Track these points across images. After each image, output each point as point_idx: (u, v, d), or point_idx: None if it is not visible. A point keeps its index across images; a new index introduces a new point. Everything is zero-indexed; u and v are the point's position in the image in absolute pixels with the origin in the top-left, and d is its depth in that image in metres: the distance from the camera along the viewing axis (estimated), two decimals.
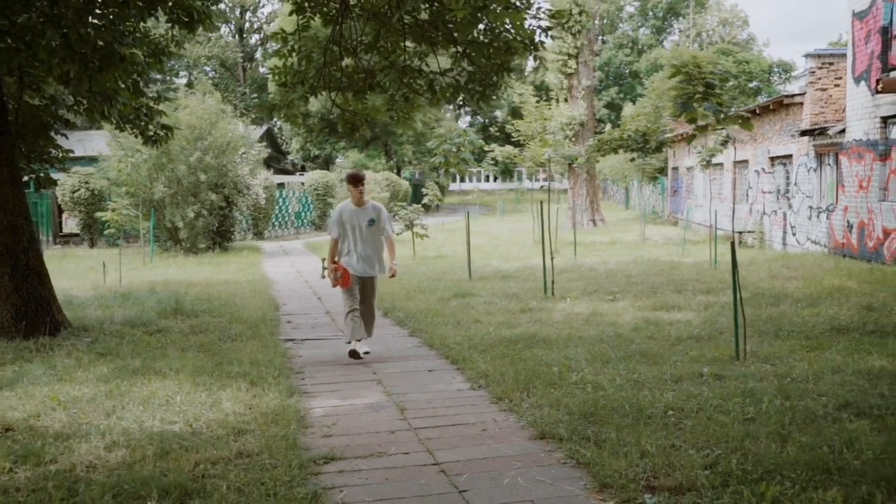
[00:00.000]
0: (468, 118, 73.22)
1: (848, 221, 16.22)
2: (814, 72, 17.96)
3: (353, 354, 7.79)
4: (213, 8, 10.19)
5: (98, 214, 23.34)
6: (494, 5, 6.74)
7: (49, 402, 6.09)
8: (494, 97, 8.24)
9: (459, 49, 7.42)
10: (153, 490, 4.28)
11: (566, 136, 28.94)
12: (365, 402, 6.32)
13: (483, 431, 5.47)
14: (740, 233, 21.20)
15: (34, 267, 9.15)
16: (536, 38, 7.31)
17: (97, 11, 8.54)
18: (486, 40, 7.32)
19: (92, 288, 13.47)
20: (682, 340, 8.15)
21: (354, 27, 8.03)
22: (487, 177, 71.95)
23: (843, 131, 16.43)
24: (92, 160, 24.96)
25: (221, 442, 5.14)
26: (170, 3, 8.75)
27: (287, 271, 17.29)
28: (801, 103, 18.42)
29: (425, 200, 24.32)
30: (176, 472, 4.56)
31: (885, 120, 14.95)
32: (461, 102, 8.43)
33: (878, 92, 14.43)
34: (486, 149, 28.79)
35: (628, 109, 36.85)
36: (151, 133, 10.50)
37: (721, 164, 23.89)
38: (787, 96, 19.42)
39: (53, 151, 10.85)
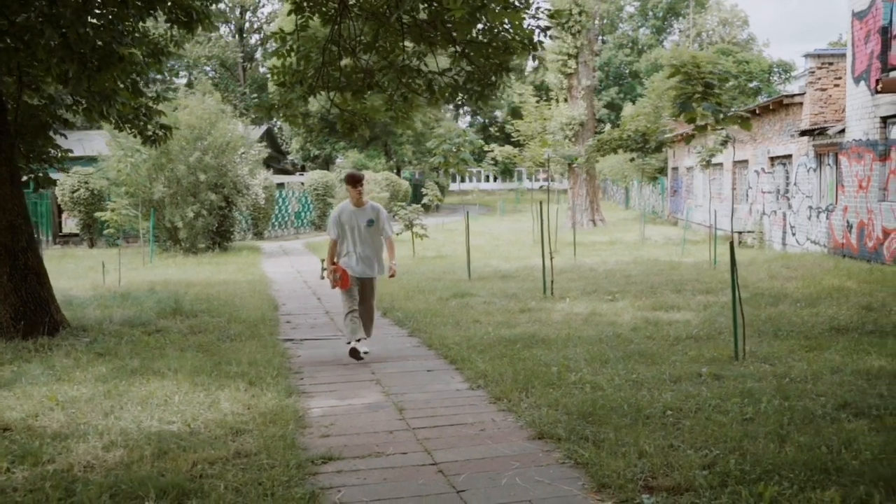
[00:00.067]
0: (468, 118, 73.25)
1: (847, 221, 16.21)
2: (813, 72, 17.95)
3: (354, 353, 7.78)
4: (213, 8, 10.18)
5: (97, 214, 23.34)
6: (493, 5, 6.74)
7: (47, 402, 6.08)
8: (493, 97, 8.23)
9: (458, 49, 7.42)
10: (150, 490, 4.27)
11: (566, 136, 28.94)
12: (363, 402, 6.32)
13: (481, 431, 5.47)
14: (740, 233, 21.20)
15: (33, 267, 9.15)
16: (535, 38, 7.30)
17: (96, 11, 8.53)
18: (485, 40, 7.31)
19: (91, 288, 13.46)
20: (681, 340, 8.14)
21: (353, 27, 8.03)
22: (487, 177, 71.94)
23: (842, 131, 16.42)
24: (91, 160, 24.97)
25: (219, 442, 5.14)
26: (168, 3, 8.75)
27: (286, 271, 17.29)
28: (801, 103, 18.41)
29: (425, 200, 24.33)
30: (173, 472, 4.55)
31: (884, 120, 14.95)
32: (460, 102, 8.41)
33: (877, 92, 14.43)
34: (486, 149, 28.79)
35: (628, 109, 36.86)
36: (150, 133, 10.50)
37: (721, 164, 23.88)
38: (786, 96, 19.42)
39: (52, 151, 10.84)
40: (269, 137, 43.37)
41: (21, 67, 9.01)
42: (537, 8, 7.23)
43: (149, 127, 10.45)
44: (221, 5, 59.10)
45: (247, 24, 64.46)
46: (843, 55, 17.29)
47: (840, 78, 17.64)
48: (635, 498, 4.18)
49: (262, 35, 62.90)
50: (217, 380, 6.76)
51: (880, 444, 4.74)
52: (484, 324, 9.40)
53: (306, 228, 33.05)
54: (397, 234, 18.68)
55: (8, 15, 7.99)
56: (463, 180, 70.96)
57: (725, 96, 9.70)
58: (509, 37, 7.19)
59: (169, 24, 9.17)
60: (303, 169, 49.11)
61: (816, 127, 17.59)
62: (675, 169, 30.73)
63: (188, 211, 20.67)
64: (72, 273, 16.40)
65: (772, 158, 20.47)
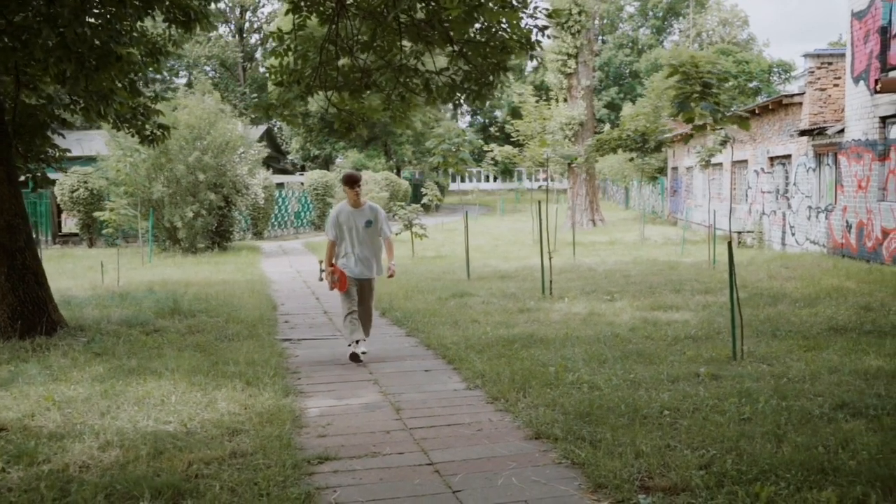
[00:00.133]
0: (468, 118, 73.24)
1: (847, 221, 16.20)
2: (813, 72, 17.94)
3: (354, 358, 7.74)
4: (211, 7, 10.16)
5: (96, 214, 23.34)
6: (490, 4, 6.73)
7: (44, 402, 6.08)
8: (491, 97, 8.22)
9: (455, 48, 7.41)
10: (145, 490, 4.27)
11: (565, 135, 28.93)
12: (361, 402, 6.31)
13: (478, 431, 5.46)
14: (739, 233, 21.18)
15: (31, 267, 9.14)
16: (533, 38, 7.28)
17: (94, 10, 8.53)
18: (482, 39, 7.30)
19: (90, 288, 13.46)
20: (679, 340, 8.14)
21: (350, 26, 8.02)
22: (487, 177, 71.92)
23: (841, 131, 16.41)
24: (91, 160, 24.96)
25: (215, 442, 5.13)
26: (166, 3, 8.74)
27: (286, 271, 17.28)
28: (801, 103, 18.40)
29: (424, 200, 24.33)
30: (169, 472, 4.55)
31: (883, 120, 14.94)
32: (458, 102, 8.39)
33: (876, 92, 14.42)
34: (486, 149, 28.75)
35: (628, 109, 36.83)
36: (148, 132, 10.49)
37: (720, 164, 23.87)
38: (786, 96, 19.40)
39: (50, 151, 10.83)
40: (269, 137, 43.39)
41: (19, 67, 9.00)
42: (535, 7, 7.22)
43: (146, 126, 10.44)
44: (221, 5, 59.12)
45: (247, 24, 64.46)
46: (843, 55, 17.29)
47: (839, 78, 17.63)
48: (632, 498, 4.17)
49: (262, 35, 62.88)
50: (214, 380, 6.75)
51: (877, 444, 4.73)
52: (482, 324, 9.39)
53: (306, 228, 33.05)
54: (396, 234, 18.71)
55: (6, 14, 7.98)
56: (463, 180, 70.93)
57: (724, 96, 9.67)
58: (507, 36, 7.18)
59: (167, 24, 9.15)
60: (303, 169, 49.12)
61: (816, 127, 17.58)
62: (675, 169, 30.72)
63: (187, 211, 20.66)
64: (71, 273, 16.39)
65: (771, 158, 20.46)
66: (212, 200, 21.11)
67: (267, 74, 10.72)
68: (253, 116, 30.29)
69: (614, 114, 57.09)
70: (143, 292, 12.49)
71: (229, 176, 21.90)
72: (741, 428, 5.14)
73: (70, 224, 26.92)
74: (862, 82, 15.57)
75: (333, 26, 7.82)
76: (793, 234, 19.03)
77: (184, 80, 56.57)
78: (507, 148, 28.43)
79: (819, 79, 17.90)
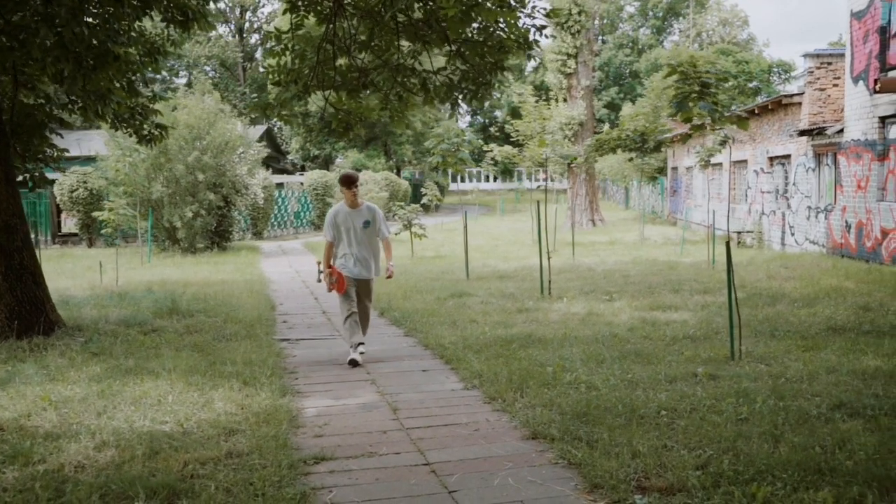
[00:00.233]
0: (468, 118, 73.23)
1: (846, 221, 16.20)
2: (812, 72, 17.93)
3: (353, 364, 7.68)
4: (210, 7, 10.15)
5: (96, 214, 23.33)
6: (488, 3, 6.72)
7: (40, 402, 6.07)
8: (489, 96, 8.21)
9: (453, 48, 7.40)
10: (141, 490, 4.26)
11: (565, 135, 28.92)
12: (358, 402, 6.30)
13: (475, 431, 5.45)
14: (739, 233, 21.17)
15: (28, 266, 9.13)
16: (531, 37, 7.27)
17: (92, 10, 8.52)
18: (480, 39, 7.29)
19: (89, 288, 13.45)
20: (677, 340, 8.12)
21: (348, 26, 8.01)
22: (487, 177, 71.91)
23: (841, 131, 16.40)
24: (90, 160, 24.96)
25: (212, 442, 5.12)
26: (164, 2, 8.74)
27: (285, 271, 17.27)
28: (800, 103, 18.39)
29: (424, 200, 24.31)
30: (164, 473, 4.54)
31: (883, 120, 14.93)
32: (456, 101, 8.38)
33: (876, 92, 14.41)
34: (486, 149, 28.72)
35: (627, 109, 36.83)
36: (146, 132, 10.48)
37: (720, 164, 23.87)
38: (785, 96, 19.39)
39: (48, 151, 10.82)
40: (269, 137, 43.37)
41: (17, 66, 9.00)
42: (533, 7, 7.21)
43: (144, 126, 10.43)
44: (221, 5, 59.13)
45: (246, 24, 64.45)
46: (842, 55, 17.28)
47: (839, 78, 17.62)
48: (628, 498, 4.16)
49: (262, 35, 62.86)
50: (211, 379, 6.74)
51: (875, 445, 4.72)
52: (481, 324, 9.38)
53: (305, 228, 33.04)
54: (396, 235, 18.69)
55: (3, 14, 7.98)
56: (462, 180, 70.96)
57: (722, 96, 9.66)
58: (504, 36, 7.17)
59: (165, 24, 9.15)
60: (302, 169, 49.11)
61: (815, 127, 17.57)
62: (675, 169, 30.71)
63: (187, 211, 20.65)
64: (69, 273, 16.39)
65: (771, 158, 20.45)
66: (211, 200, 21.11)
67: (266, 74, 10.72)
68: (252, 116, 30.28)
69: (614, 114, 57.08)
70: (141, 292, 12.48)
71: (229, 176, 21.89)
72: (738, 428, 5.13)
73: (69, 224, 26.92)
74: (861, 82, 15.56)
75: (331, 26, 7.81)
76: (792, 234, 19.02)
77: (184, 80, 56.56)
78: (507, 148, 28.42)
79: (818, 79, 17.89)
